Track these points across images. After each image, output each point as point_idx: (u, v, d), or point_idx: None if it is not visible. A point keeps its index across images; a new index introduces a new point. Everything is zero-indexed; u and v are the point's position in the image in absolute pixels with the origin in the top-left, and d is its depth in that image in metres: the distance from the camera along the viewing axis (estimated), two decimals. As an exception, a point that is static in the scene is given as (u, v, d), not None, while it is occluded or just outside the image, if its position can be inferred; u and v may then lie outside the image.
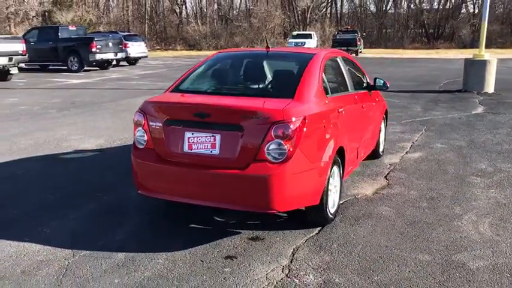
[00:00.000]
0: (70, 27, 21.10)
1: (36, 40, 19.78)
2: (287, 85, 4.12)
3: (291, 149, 3.54)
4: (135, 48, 22.78)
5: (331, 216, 4.18)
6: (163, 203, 4.53)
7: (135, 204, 4.69)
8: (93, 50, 18.91)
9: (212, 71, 4.72)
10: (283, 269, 3.41)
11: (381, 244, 3.82)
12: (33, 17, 39.76)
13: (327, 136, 3.99)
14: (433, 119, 9.26)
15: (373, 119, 5.79)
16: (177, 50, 44.71)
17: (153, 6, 49.08)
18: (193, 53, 38.60)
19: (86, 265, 3.44)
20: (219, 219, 4.32)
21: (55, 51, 19.28)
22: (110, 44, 19.82)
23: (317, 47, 35.87)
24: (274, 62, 4.84)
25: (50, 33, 19.93)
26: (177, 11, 51.39)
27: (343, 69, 5.01)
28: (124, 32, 25.43)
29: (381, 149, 6.38)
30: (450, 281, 3.23)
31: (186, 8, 50.30)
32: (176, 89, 4.33)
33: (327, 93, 4.32)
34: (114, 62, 20.88)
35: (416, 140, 7.47)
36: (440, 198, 4.88)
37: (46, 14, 40.53)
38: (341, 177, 4.42)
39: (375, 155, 6.22)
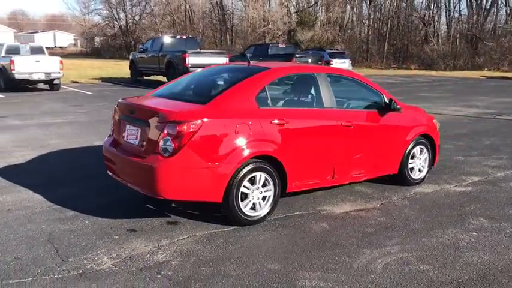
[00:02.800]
0: (280, 45, 23.53)
1: (251, 55, 22.69)
2: (210, 93, 4.70)
3: (178, 146, 4.15)
4: (339, 65, 23.80)
5: (247, 218, 4.52)
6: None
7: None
8: (290, 65, 20.72)
9: (185, 80, 5.51)
10: (153, 249, 4.07)
11: (276, 255, 4.06)
12: (279, 35, 44.65)
13: (240, 141, 4.37)
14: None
15: (384, 140, 5.59)
16: (410, 69, 43.82)
17: (394, 24, 49.05)
18: (423, 72, 37.34)
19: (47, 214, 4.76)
20: (174, 205, 5.10)
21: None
22: (309, 61, 21.33)
23: None
24: (231, 74, 5.28)
25: (263, 50, 22.65)
26: (420, 29, 50.14)
27: (322, 86, 5.12)
28: (331, 49, 26.66)
29: (415, 176, 6.02)
30: None
31: (429, 26, 48.58)
32: (153, 93, 5.30)
33: (264, 105, 4.66)
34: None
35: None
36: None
37: (291, 32, 44.87)
38: (276, 186, 4.67)
39: (401, 180, 5.93)
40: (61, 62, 16.29)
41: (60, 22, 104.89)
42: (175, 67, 18.02)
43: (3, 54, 16.37)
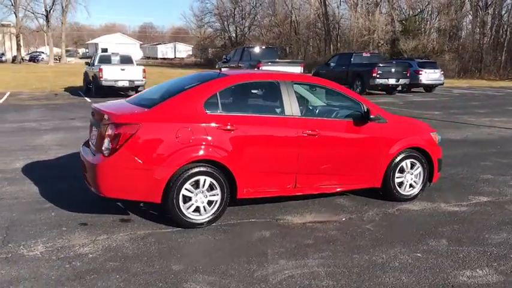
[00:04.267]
0: (364, 54, 22.89)
1: (335, 64, 22.52)
2: (158, 99, 4.87)
3: (115, 147, 4.41)
4: (429, 76, 22.52)
5: (189, 221, 4.63)
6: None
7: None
8: (374, 75, 20.11)
9: (158, 86, 5.72)
10: (86, 242, 4.38)
11: (189, 258, 4.19)
12: (381, 44, 43.36)
13: (179, 145, 4.50)
14: None
15: (360, 151, 5.34)
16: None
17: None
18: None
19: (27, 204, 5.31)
20: (141, 205, 5.37)
21: (346, 75, 21.39)
22: (393, 70, 20.53)
23: None
24: (191, 81, 5.31)
25: (346, 59, 22.26)
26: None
27: (284, 94, 5.05)
28: (422, 59, 25.16)
29: (405, 192, 5.66)
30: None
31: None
32: (127, 99, 5.61)
33: (213, 111, 4.73)
34: (399, 88, 21.37)
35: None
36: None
37: (395, 41, 43.32)
38: (223, 191, 4.72)
39: (388, 195, 5.62)
40: (144, 71, 17.60)
41: (183, 35, 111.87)
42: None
43: (96, 63, 18.10)
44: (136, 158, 4.46)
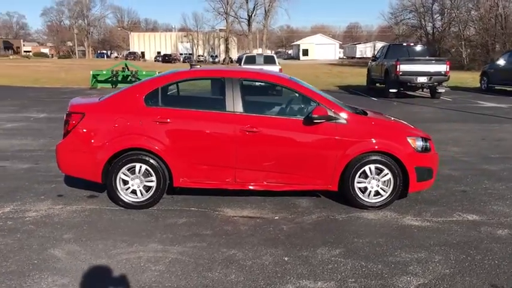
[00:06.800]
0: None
1: (506, 62, 19.85)
2: (111, 93, 5.47)
3: (66, 132, 5.24)
4: None
5: (126, 201, 5.20)
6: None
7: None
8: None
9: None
10: (42, 208, 5.32)
11: (89, 231, 4.82)
12: None
13: (116, 133, 5.08)
14: None
15: (308, 151, 5.14)
16: None
17: None
18: None
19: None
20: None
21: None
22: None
23: None
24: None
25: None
26: None
27: (228, 90, 5.18)
28: None
29: (369, 199, 5.25)
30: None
31: None
32: None
33: (152, 105, 5.19)
34: None
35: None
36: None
37: None
38: (159, 179, 5.14)
39: (349, 200, 5.30)
40: (280, 71, 18.38)
41: (388, 33, 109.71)
42: (390, 75, 17.70)
43: (242, 64, 19.61)
44: (81, 142, 5.21)
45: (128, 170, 5.18)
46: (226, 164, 5.20)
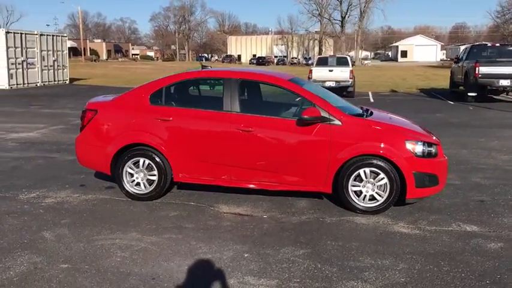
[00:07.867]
0: None
1: None
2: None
3: (82, 126, 5.73)
4: None
5: (131, 193, 5.56)
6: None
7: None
8: None
9: None
10: (60, 196, 5.87)
11: (84, 218, 5.24)
12: None
13: (122, 129, 5.47)
14: None
15: (301, 152, 5.12)
16: None
17: None
18: None
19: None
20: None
21: None
22: None
23: None
24: None
25: None
26: None
27: (226, 90, 5.32)
28: None
29: (364, 203, 5.12)
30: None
31: None
32: None
33: (156, 104, 5.50)
34: None
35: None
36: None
37: None
38: (160, 173, 5.45)
39: (344, 203, 5.22)
40: (351, 72, 18.06)
41: (498, 33, 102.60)
42: (469, 78, 16.62)
43: (314, 66, 19.56)
44: (93, 136, 5.67)
45: (133, 163, 5.53)
46: (222, 162, 5.36)
